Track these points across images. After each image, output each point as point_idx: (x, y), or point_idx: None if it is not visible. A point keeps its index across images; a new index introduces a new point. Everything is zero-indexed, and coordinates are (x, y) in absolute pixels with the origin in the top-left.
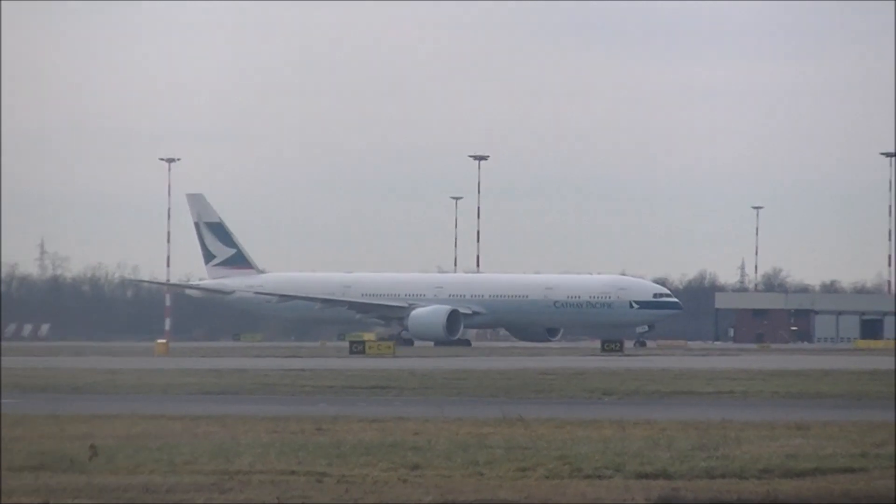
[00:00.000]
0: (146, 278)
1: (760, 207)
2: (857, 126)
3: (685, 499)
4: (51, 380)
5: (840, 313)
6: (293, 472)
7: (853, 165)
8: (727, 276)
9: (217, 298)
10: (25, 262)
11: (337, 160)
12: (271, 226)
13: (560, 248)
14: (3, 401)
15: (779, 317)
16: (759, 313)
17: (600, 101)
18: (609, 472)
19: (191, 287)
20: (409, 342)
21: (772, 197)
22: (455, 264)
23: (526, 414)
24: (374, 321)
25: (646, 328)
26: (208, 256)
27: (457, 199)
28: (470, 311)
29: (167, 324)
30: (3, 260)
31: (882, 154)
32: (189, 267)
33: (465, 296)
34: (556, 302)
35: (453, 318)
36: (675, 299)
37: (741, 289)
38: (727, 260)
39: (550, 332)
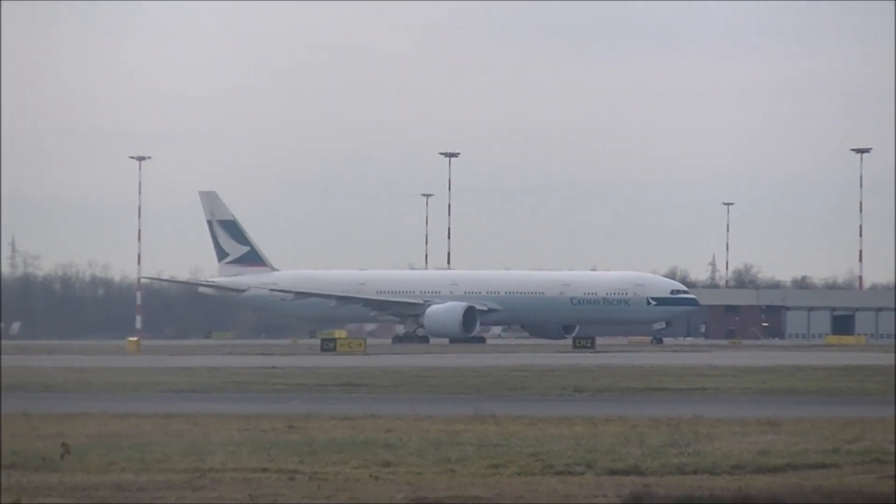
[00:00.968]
0: (117, 277)
1: (731, 204)
2: (828, 122)
3: (657, 495)
4: (22, 378)
5: (811, 309)
6: (265, 470)
7: (824, 162)
8: (698, 272)
9: (230, 296)
10: None
11: (312, 160)
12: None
13: (531, 246)
14: None
15: (750, 313)
16: (730, 309)
17: (570, 100)
18: (581, 469)
19: (204, 285)
20: (425, 339)
21: (743, 193)
22: (426, 262)
23: (498, 411)
24: (389, 318)
25: (663, 325)
26: (221, 254)
27: (427, 196)
28: (486, 308)
29: (138, 322)
30: None
31: (853, 150)
32: (197, 263)
33: (480, 293)
34: (572, 299)
35: (469, 315)
36: (693, 296)
37: (712, 285)
38: (698, 256)
39: (566, 329)
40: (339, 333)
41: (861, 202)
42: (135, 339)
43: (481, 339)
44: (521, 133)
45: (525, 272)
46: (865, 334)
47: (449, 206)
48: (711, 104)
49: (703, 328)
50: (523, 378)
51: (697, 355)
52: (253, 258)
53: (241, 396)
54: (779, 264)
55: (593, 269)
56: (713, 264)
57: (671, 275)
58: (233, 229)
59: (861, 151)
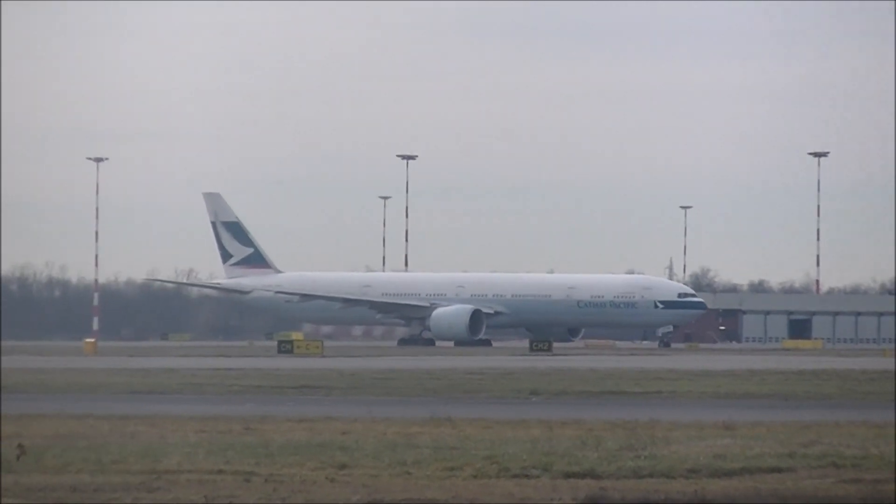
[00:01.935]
0: (74, 278)
1: (689, 207)
2: (785, 126)
3: (613, 499)
4: None
5: (768, 313)
6: (221, 472)
7: (781, 166)
8: (655, 275)
9: (235, 298)
10: None
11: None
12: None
13: (489, 248)
14: None
15: (707, 317)
16: None
17: (527, 101)
18: (537, 472)
19: (208, 286)
20: (431, 342)
21: (700, 197)
22: (383, 264)
23: (454, 414)
24: (394, 321)
25: (670, 328)
26: (225, 256)
27: (385, 198)
28: (492, 311)
29: (95, 323)
30: None
31: (810, 154)
32: (197, 264)
33: (486, 295)
34: (579, 302)
35: (476, 317)
36: (700, 299)
37: None
38: (655, 259)
39: (572, 333)
40: (297, 335)
41: (819, 206)
42: (91, 340)
43: (487, 342)
44: (478, 134)
45: (531, 275)
46: (822, 338)
47: (406, 208)
48: (670, 107)
49: (659, 332)
50: (480, 381)
51: (654, 359)
52: (257, 260)
53: (197, 398)
54: (736, 268)
55: (550, 272)
56: (670, 267)
57: None
58: (237, 231)
59: (819, 155)
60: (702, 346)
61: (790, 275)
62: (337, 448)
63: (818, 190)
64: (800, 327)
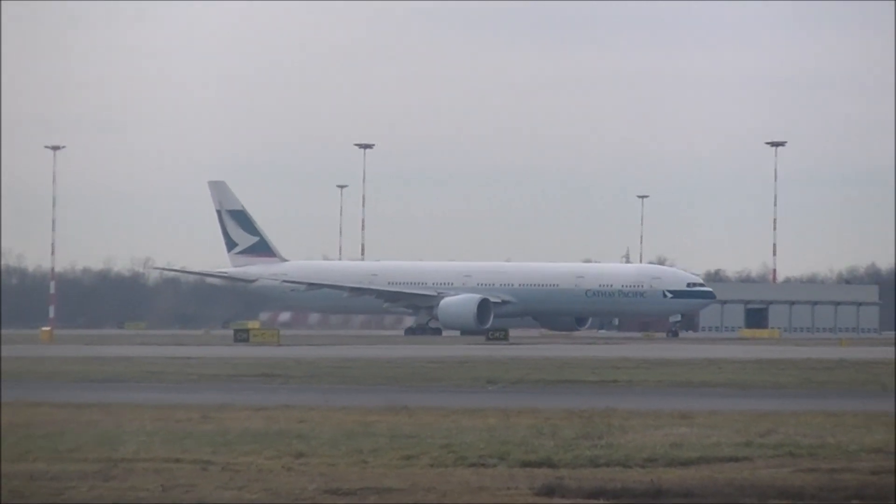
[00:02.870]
0: (31, 267)
1: (646, 196)
2: (743, 115)
3: (569, 488)
4: None
5: (725, 302)
6: (178, 460)
7: (739, 155)
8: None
9: (240, 287)
10: None
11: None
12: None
13: (447, 236)
14: None
15: None
16: None
17: (485, 89)
18: (493, 461)
19: (213, 275)
20: (438, 331)
21: (657, 186)
22: (339, 253)
23: (411, 402)
24: (401, 310)
25: (679, 318)
26: (230, 244)
27: (342, 187)
28: (499, 300)
29: (52, 311)
30: None
31: (767, 143)
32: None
33: (493, 284)
34: (587, 291)
35: (483, 307)
36: (709, 289)
37: None
38: (612, 248)
39: (579, 322)
40: (253, 324)
41: (776, 196)
42: (48, 328)
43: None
44: (435, 122)
45: (539, 264)
46: (779, 328)
47: (363, 197)
48: (627, 96)
49: (616, 321)
50: (437, 369)
51: (611, 348)
52: (262, 248)
53: (154, 386)
54: (693, 257)
55: (507, 260)
56: (627, 256)
57: None
58: (242, 219)
59: (776, 145)
60: (658, 335)
61: (747, 264)
62: (294, 436)
63: (775, 179)
64: (756, 317)
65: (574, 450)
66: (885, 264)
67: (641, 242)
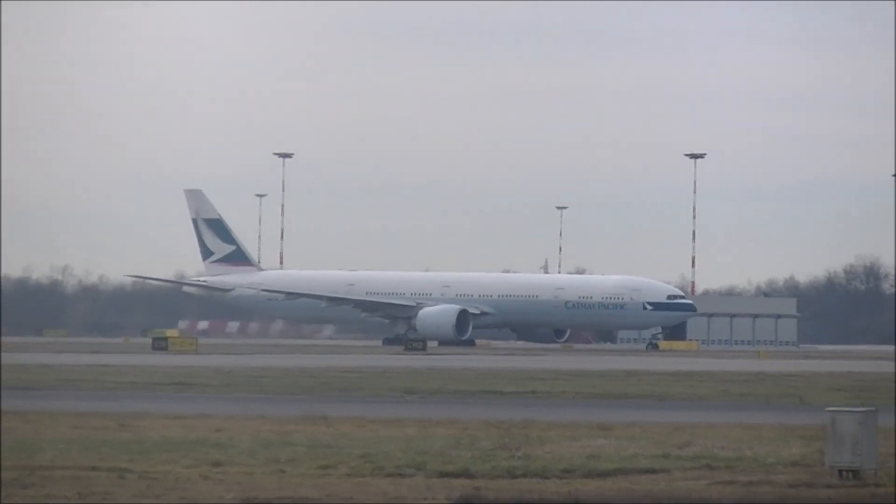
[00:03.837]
0: None
1: (565, 208)
2: (663, 127)
3: (487, 498)
4: None
5: None
6: (95, 469)
7: (658, 167)
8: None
9: (216, 296)
10: None
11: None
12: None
13: (367, 247)
14: None
15: None
16: None
17: (406, 100)
18: (411, 471)
19: (190, 284)
20: (418, 342)
21: (577, 197)
22: (258, 261)
23: (329, 412)
24: (379, 320)
25: (659, 330)
26: (206, 253)
27: (261, 196)
28: (478, 311)
29: None
30: None
31: (686, 156)
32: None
33: (472, 295)
34: (567, 303)
35: (462, 317)
36: (690, 301)
37: None
38: (531, 259)
39: (558, 334)
40: (171, 332)
41: (694, 207)
42: None
43: (471, 343)
44: (355, 132)
45: (518, 276)
46: (697, 340)
47: (282, 206)
48: (547, 107)
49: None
50: (355, 379)
51: (529, 359)
52: (239, 257)
53: (72, 394)
54: (611, 269)
55: (426, 270)
56: (545, 267)
57: None
58: (218, 228)
59: (695, 157)
60: (577, 346)
61: (665, 276)
62: (211, 445)
63: (694, 192)
64: (675, 329)
65: (492, 461)
66: (803, 277)
67: (560, 254)
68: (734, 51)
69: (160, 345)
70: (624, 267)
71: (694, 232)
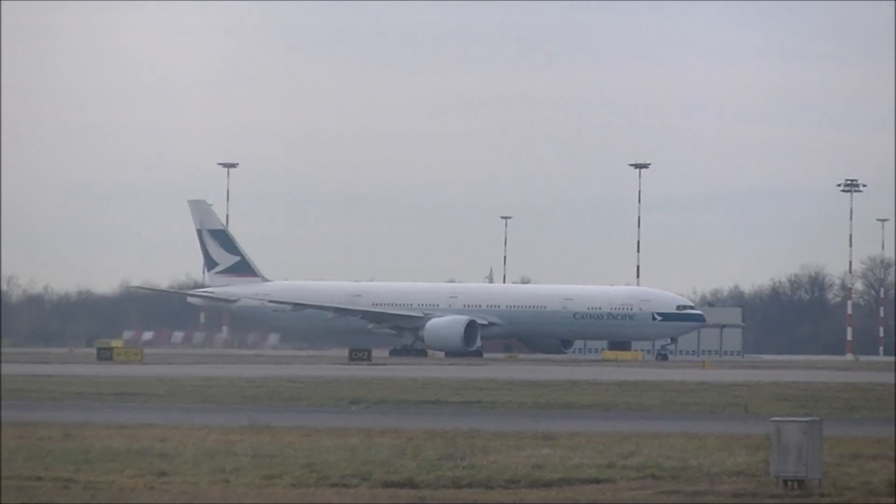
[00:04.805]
0: None
1: (509, 217)
2: (607, 137)
3: None
4: None
5: None
6: (39, 479)
7: (603, 176)
8: (476, 283)
9: (221, 307)
10: None
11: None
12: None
13: (309, 256)
14: None
15: None
16: None
17: (350, 109)
18: (356, 481)
19: (194, 295)
20: (423, 353)
21: (521, 207)
22: (203, 272)
23: (274, 422)
24: (386, 331)
25: (668, 341)
26: (210, 264)
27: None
28: (486, 322)
29: None
30: None
31: (631, 165)
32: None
33: (480, 306)
34: (575, 313)
35: (471, 328)
36: (699, 312)
37: None
38: (475, 268)
39: (565, 344)
40: (116, 343)
41: (639, 217)
42: None
43: (479, 354)
44: (298, 141)
45: (526, 286)
46: (642, 350)
47: (227, 216)
48: (492, 116)
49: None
50: (300, 389)
51: (474, 369)
52: (243, 268)
53: (16, 404)
54: (556, 278)
55: (371, 280)
56: (490, 277)
57: None
58: (223, 238)
59: (640, 167)
60: (521, 356)
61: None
62: (156, 455)
63: (639, 201)
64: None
65: (436, 470)
66: (748, 286)
67: (505, 263)
68: (678, 60)
69: (105, 355)
70: (567, 276)
71: (639, 242)
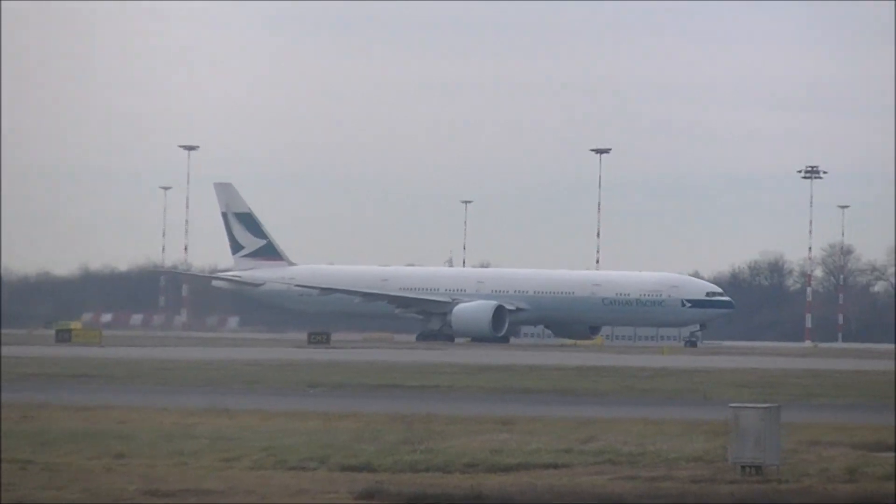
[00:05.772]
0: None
1: (470, 202)
2: (568, 122)
3: (389, 492)
4: None
5: None
6: None
7: (564, 161)
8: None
9: (247, 290)
10: None
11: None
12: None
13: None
14: None
15: None
16: None
17: (316, 92)
18: (314, 464)
19: (220, 278)
20: (450, 338)
21: (482, 191)
22: (163, 254)
23: (232, 405)
24: (413, 316)
25: (697, 327)
26: (236, 247)
27: (166, 189)
28: (514, 307)
29: None
30: None
31: (592, 150)
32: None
33: (507, 291)
34: (604, 299)
35: (499, 314)
36: (728, 298)
37: None
38: (435, 253)
39: (593, 330)
40: (75, 324)
41: (599, 202)
42: None
43: (506, 339)
44: (263, 123)
45: (555, 271)
46: (602, 335)
47: (187, 199)
48: (453, 100)
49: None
50: (259, 372)
51: (433, 353)
52: (269, 252)
53: None
54: (516, 263)
55: (330, 263)
56: (450, 261)
57: None
58: (249, 222)
59: (601, 152)
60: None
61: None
62: (114, 437)
63: (599, 186)
64: None
65: (395, 454)
66: (707, 272)
67: (465, 248)
68: (638, 45)
69: (63, 336)
70: (528, 261)
71: (599, 227)
